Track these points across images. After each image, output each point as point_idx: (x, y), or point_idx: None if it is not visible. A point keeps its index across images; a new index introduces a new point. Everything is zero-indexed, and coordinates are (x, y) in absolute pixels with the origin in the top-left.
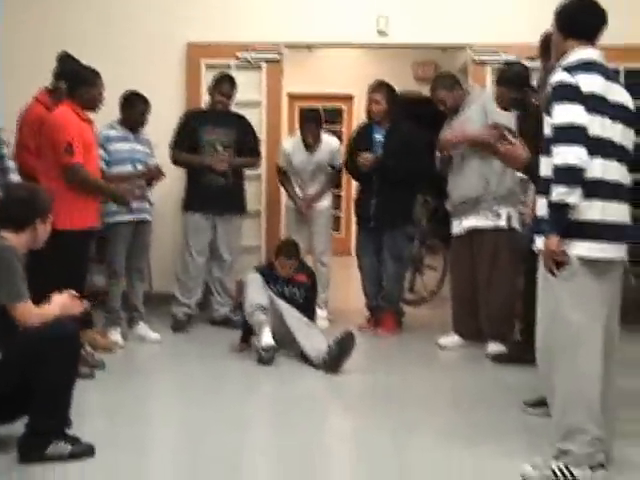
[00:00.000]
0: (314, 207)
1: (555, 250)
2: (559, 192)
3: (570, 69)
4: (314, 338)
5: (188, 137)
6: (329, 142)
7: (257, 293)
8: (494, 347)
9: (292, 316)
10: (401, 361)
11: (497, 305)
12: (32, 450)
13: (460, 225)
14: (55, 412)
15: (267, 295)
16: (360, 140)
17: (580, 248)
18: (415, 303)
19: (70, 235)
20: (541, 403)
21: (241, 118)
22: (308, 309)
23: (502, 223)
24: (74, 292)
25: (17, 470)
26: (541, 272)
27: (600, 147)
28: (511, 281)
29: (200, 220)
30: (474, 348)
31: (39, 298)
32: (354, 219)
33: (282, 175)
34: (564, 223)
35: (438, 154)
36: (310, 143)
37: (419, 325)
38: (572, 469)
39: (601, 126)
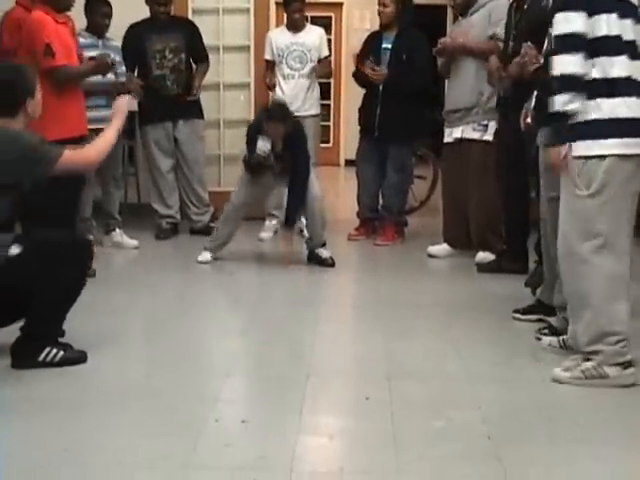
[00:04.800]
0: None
1: (562, 159)
2: (562, 101)
3: None
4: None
5: (135, 51)
6: (313, 28)
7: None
8: (482, 256)
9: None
10: (391, 269)
11: (485, 214)
12: (25, 356)
13: (451, 134)
14: (54, 318)
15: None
16: (369, 49)
17: (612, 147)
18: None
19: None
20: (530, 311)
21: (188, 22)
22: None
23: (488, 137)
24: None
25: (10, 376)
26: (566, 187)
27: (608, 46)
28: (498, 191)
29: (159, 132)
30: (464, 257)
31: (37, 214)
32: (343, 129)
33: (269, 69)
34: (565, 132)
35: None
36: (294, 20)
37: (409, 234)
38: (604, 368)
39: (607, 25)
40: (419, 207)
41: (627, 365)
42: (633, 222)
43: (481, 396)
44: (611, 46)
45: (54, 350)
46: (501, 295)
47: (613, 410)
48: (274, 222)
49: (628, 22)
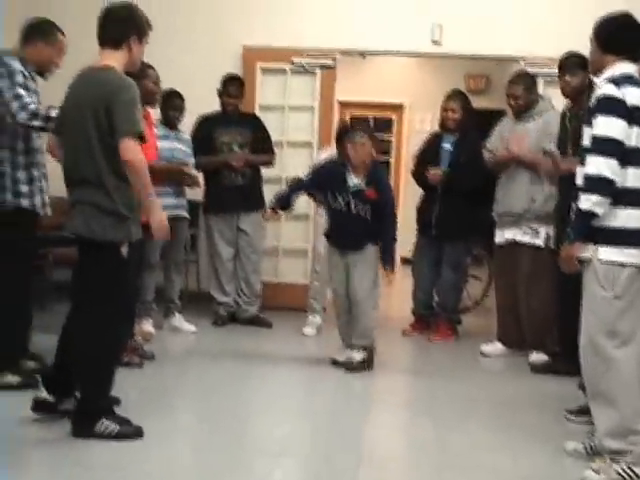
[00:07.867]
0: None
1: (575, 256)
2: (591, 201)
3: (617, 82)
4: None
5: (204, 141)
6: None
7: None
8: (536, 356)
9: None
10: (444, 366)
11: (538, 315)
12: (81, 426)
13: (502, 236)
14: (98, 381)
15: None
16: (429, 150)
17: (633, 256)
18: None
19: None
20: (583, 412)
21: (255, 118)
22: (375, 229)
23: (539, 242)
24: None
25: (68, 444)
26: (593, 289)
27: (637, 157)
28: (551, 294)
29: (223, 222)
30: (517, 357)
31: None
32: (401, 228)
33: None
34: (587, 231)
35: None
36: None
37: (463, 333)
38: (634, 468)
39: (637, 137)
40: (473, 307)
41: None
42: None
43: None
44: (637, 158)
45: (109, 423)
46: (554, 395)
47: None
48: (317, 318)
49: None
